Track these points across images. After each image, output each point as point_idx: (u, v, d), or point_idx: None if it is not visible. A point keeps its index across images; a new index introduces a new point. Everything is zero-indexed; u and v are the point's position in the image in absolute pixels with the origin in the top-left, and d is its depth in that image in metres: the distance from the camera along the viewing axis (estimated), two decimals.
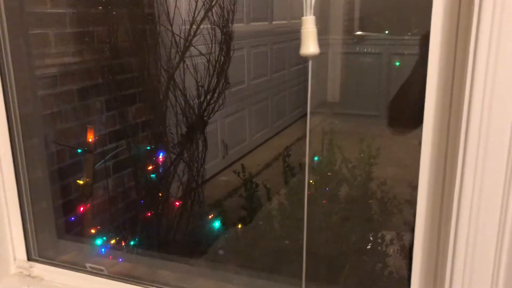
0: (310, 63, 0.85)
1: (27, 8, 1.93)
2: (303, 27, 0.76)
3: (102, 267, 1.23)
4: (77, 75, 2.03)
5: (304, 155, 2.40)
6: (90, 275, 1.23)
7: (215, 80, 1.97)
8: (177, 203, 2.05)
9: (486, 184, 0.68)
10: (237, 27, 3.71)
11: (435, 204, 0.78)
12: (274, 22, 4.15)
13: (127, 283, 1.20)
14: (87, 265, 1.24)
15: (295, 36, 4.40)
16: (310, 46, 0.76)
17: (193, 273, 1.39)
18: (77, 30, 2.05)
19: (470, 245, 0.71)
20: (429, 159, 0.76)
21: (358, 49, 4.59)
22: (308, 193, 2.05)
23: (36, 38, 1.91)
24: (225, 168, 3.51)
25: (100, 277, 1.22)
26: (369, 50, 4.45)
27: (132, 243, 1.87)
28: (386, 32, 4.26)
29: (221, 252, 1.97)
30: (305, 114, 4.57)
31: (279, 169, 2.41)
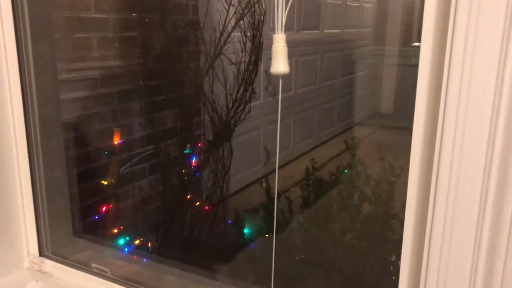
0: (280, 82, 0.82)
1: (71, 13, 2.03)
2: (273, 44, 0.74)
3: (106, 269, 1.26)
4: (115, 79, 2.10)
5: (337, 169, 2.35)
6: (95, 276, 1.26)
7: (242, 89, 1.97)
8: (199, 210, 2.07)
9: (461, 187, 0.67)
10: (287, 35, 3.70)
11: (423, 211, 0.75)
12: (325, 31, 4.11)
13: (128, 286, 1.22)
14: (93, 265, 1.27)
15: (347, 45, 4.35)
16: (280, 64, 0.74)
17: (199, 282, 1.39)
18: (117, 35, 2.12)
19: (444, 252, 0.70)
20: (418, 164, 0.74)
21: (414, 60, 4.46)
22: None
23: (79, 42, 2.00)
24: (266, 175, 3.51)
25: (104, 279, 1.24)
26: None
27: (149, 247, 1.90)
28: None
29: (233, 262, 1.96)
30: (355, 125, 4.49)
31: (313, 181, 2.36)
